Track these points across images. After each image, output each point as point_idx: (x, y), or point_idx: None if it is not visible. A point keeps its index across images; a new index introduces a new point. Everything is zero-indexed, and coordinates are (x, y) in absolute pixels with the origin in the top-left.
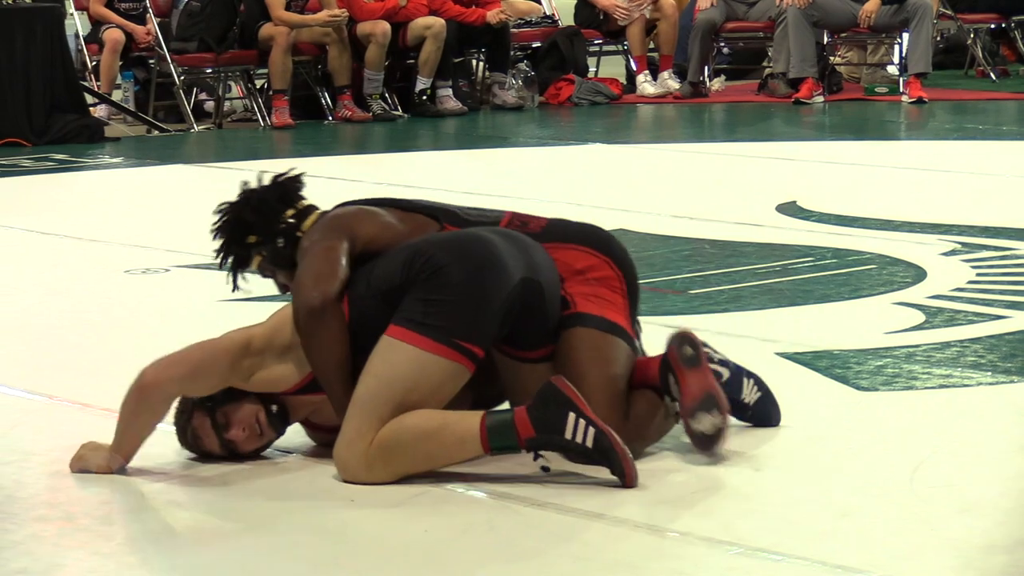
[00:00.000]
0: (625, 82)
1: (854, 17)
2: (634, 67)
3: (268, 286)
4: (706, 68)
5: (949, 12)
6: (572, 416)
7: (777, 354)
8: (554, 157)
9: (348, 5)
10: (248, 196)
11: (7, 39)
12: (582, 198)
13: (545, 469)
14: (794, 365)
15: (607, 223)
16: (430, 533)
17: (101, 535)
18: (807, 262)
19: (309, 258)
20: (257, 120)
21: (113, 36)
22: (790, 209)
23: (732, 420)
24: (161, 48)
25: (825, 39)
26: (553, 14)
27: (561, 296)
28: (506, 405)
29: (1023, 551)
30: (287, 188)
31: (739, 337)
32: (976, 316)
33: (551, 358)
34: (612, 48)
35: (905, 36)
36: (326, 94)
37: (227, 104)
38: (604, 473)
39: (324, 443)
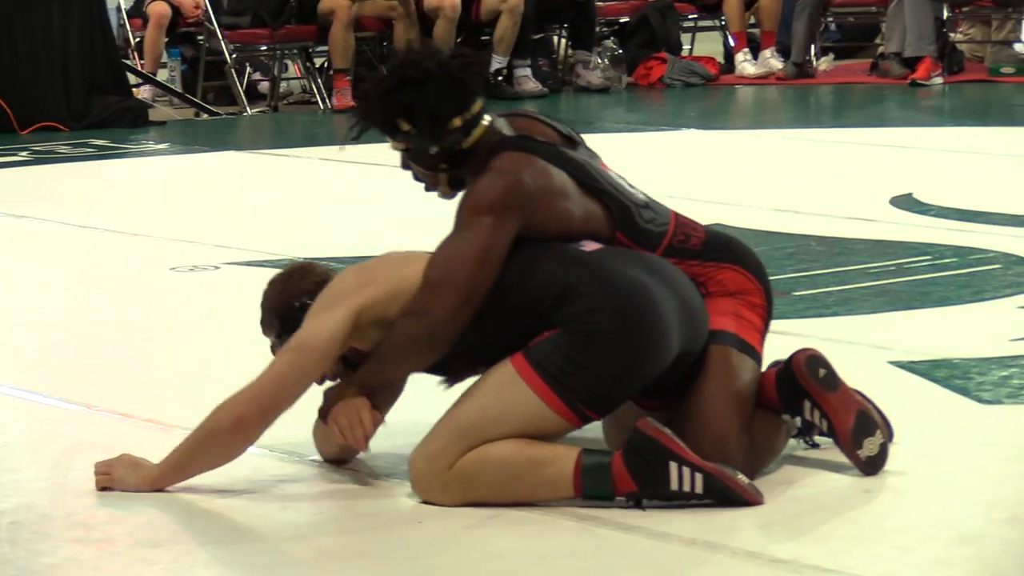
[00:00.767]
0: (723, 61)
1: None
2: (732, 44)
3: None
4: (812, 46)
5: None
6: (674, 466)
7: (891, 363)
8: (643, 144)
9: None
10: (425, 76)
11: (43, 13)
12: (674, 189)
13: (641, 506)
14: (909, 375)
15: (702, 217)
16: (505, 559)
17: (143, 559)
18: (924, 261)
19: (459, 264)
20: (316, 102)
21: (158, 10)
22: (906, 202)
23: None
24: (211, 23)
25: (945, 14)
26: None
27: None
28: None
29: None
30: (468, 89)
31: (849, 344)
32: None
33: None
34: (708, 23)
35: None
36: None
37: (283, 85)
38: None
39: (333, 456)
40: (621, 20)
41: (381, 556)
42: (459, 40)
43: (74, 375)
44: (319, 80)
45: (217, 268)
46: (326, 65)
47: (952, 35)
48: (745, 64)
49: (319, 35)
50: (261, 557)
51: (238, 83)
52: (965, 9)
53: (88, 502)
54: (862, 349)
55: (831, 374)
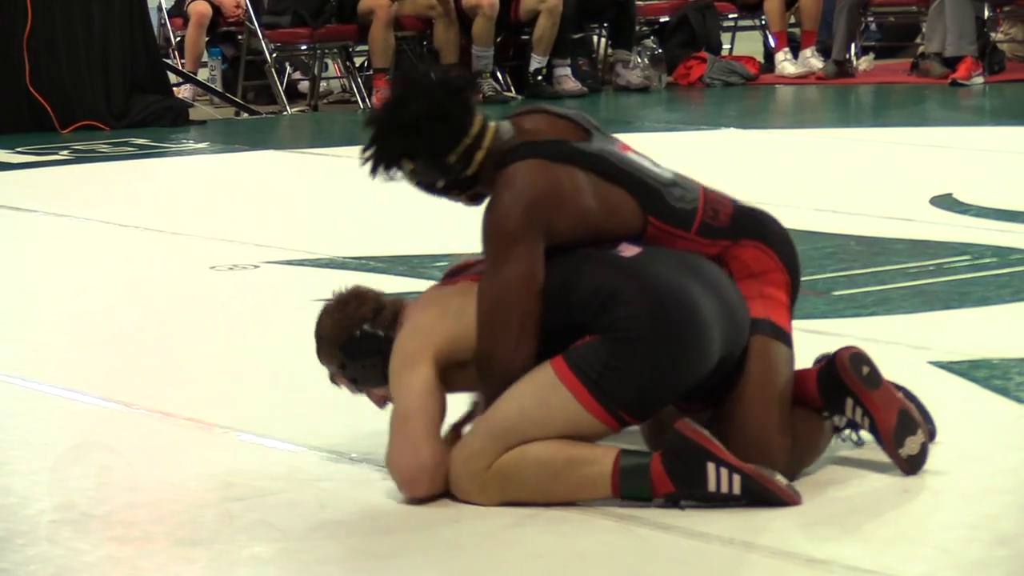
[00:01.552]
0: (763, 61)
1: None
2: (772, 44)
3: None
4: (853, 45)
5: None
6: (712, 467)
7: (930, 363)
8: (683, 143)
9: None
10: (413, 121)
11: (83, 12)
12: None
13: (679, 506)
14: (949, 375)
15: None
16: (543, 558)
17: (182, 558)
18: (964, 261)
19: (504, 301)
20: (356, 102)
21: (199, 9)
22: (946, 202)
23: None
24: (251, 22)
25: (986, 13)
26: None
27: None
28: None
29: None
30: (459, 121)
31: (888, 344)
32: None
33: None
34: (748, 23)
35: None
36: None
37: (323, 84)
38: None
39: None
40: (661, 20)
41: (419, 555)
42: (499, 39)
43: (114, 374)
44: (359, 79)
45: (257, 267)
46: (366, 64)
47: (993, 35)
48: (785, 63)
49: (359, 34)
50: (299, 556)
51: (278, 82)
52: (1006, 8)
53: (128, 500)
54: (901, 349)
55: (874, 372)
